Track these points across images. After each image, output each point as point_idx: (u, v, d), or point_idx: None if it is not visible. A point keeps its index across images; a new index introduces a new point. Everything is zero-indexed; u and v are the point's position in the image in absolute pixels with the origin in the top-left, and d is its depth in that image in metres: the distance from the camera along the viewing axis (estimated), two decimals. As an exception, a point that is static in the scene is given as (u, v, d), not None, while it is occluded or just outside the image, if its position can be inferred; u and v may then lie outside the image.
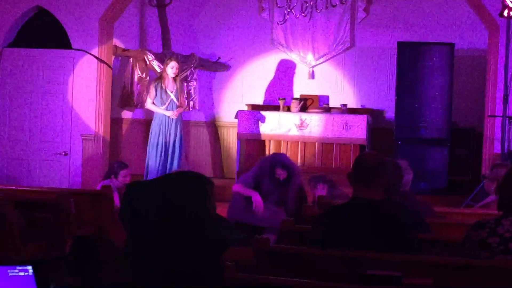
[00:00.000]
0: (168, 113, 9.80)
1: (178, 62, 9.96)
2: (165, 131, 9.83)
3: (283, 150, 10.63)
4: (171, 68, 9.81)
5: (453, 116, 10.27)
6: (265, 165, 7.55)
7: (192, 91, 11.38)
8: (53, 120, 10.02)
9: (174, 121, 9.85)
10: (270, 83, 11.81)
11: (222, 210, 8.25)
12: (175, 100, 9.86)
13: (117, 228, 5.99)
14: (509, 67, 8.66)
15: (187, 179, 2.16)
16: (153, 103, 9.89)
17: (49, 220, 5.75)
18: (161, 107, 9.84)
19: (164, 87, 9.84)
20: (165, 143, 9.81)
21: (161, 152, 9.80)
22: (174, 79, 9.87)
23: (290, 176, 7.45)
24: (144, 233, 2.08)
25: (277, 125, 10.81)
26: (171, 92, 9.84)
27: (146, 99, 10.11)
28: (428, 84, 10.19)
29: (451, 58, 10.15)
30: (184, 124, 11.14)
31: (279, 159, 7.63)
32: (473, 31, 10.97)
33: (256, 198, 7.35)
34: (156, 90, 9.84)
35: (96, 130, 9.93)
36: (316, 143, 10.81)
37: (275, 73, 11.82)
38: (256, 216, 7.34)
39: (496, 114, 9.15)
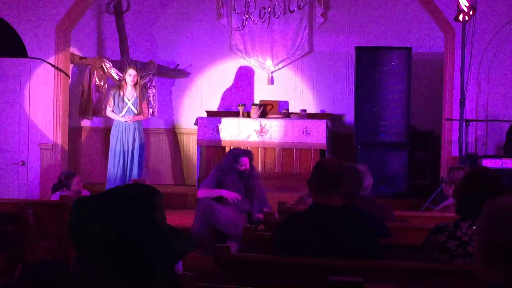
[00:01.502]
0: (123, 119, 9.75)
1: (136, 70, 9.92)
2: (122, 139, 9.77)
3: (243, 156, 10.62)
4: (129, 76, 9.80)
5: (411, 119, 10.36)
6: (227, 161, 7.66)
7: (151, 98, 11.32)
8: (10, 129, 9.88)
9: (131, 129, 9.79)
10: (229, 89, 11.81)
11: (183, 217, 8.22)
12: (132, 108, 9.80)
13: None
14: (465, 71, 8.76)
15: (133, 193, 2.11)
16: (112, 111, 9.85)
17: (7, 232, 5.66)
18: (119, 115, 9.80)
19: (122, 95, 9.80)
20: (123, 151, 9.75)
21: (119, 160, 9.74)
22: (134, 86, 9.83)
23: (252, 166, 7.64)
24: (93, 252, 2.04)
25: (237, 131, 10.80)
26: (129, 100, 9.80)
27: (105, 107, 10.10)
28: (386, 88, 10.27)
29: (408, 62, 10.24)
30: (144, 131, 11.08)
31: (239, 150, 7.94)
32: (430, 35, 11.09)
33: (228, 193, 7.45)
34: (114, 98, 9.81)
35: (54, 140, 9.82)
36: (276, 149, 10.83)
37: (235, 79, 11.82)
38: (219, 220, 7.37)
39: (453, 117, 9.26)
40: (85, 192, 7.80)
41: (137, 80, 9.89)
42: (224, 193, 7.47)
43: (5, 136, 9.89)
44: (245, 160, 7.58)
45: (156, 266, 2.05)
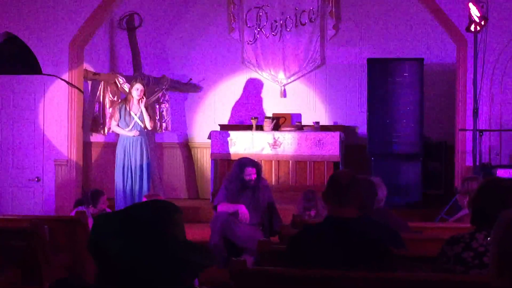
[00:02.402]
0: (130, 134, 9.71)
1: (143, 85, 9.81)
2: (129, 154, 9.68)
3: (257, 169, 10.63)
4: (136, 90, 9.70)
5: (424, 130, 10.35)
6: (234, 171, 7.60)
7: (164, 112, 11.36)
8: (24, 146, 9.94)
9: (139, 144, 9.69)
10: (242, 103, 11.84)
11: (197, 231, 8.22)
12: (139, 122, 9.72)
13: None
14: (478, 81, 8.75)
15: (153, 210, 2.13)
16: (118, 125, 9.80)
17: (23, 249, 5.68)
18: (125, 129, 9.74)
19: (128, 109, 9.73)
20: (131, 166, 9.66)
21: (127, 175, 9.67)
22: (140, 101, 9.74)
23: (259, 178, 7.55)
24: (110, 267, 2.06)
25: (251, 145, 10.82)
26: (135, 114, 9.74)
27: (111, 121, 10.06)
28: (399, 99, 10.27)
29: (420, 73, 10.24)
30: (157, 145, 11.10)
31: (247, 159, 7.78)
32: (442, 45, 11.09)
33: (243, 210, 7.39)
34: (120, 112, 9.75)
35: (69, 155, 9.86)
36: (290, 161, 10.83)
37: (247, 93, 11.86)
38: (237, 234, 7.34)
39: (467, 128, 9.24)
40: (109, 211, 7.82)
41: (144, 94, 9.79)
42: (241, 210, 7.42)
43: (20, 152, 9.94)
44: (250, 170, 7.48)
45: (176, 279, 2.07)
